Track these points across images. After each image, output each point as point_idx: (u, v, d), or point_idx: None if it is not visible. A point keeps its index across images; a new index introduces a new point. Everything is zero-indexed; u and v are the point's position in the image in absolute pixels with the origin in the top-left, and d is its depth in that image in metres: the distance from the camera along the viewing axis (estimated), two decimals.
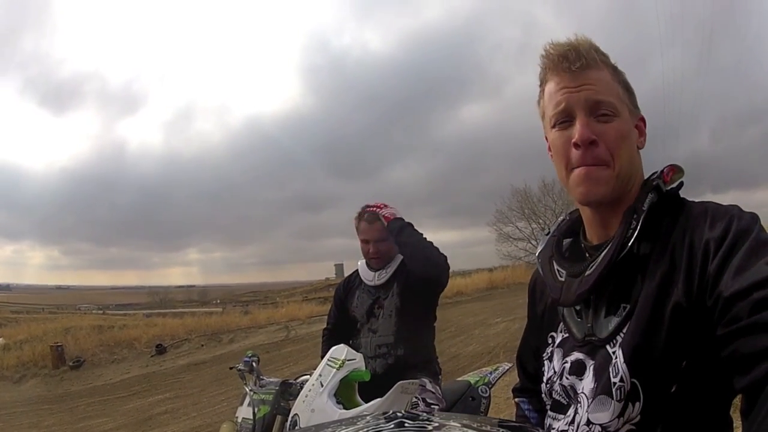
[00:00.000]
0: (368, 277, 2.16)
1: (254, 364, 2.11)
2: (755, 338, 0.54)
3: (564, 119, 0.72)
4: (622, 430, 0.66)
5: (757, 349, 0.53)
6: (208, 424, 5.67)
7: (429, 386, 2.00)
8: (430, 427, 0.48)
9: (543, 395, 0.81)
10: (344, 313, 2.23)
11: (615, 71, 0.74)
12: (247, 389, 2.01)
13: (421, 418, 0.51)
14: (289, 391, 1.93)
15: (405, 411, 0.54)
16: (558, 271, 0.77)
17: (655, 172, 0.73)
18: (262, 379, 2.06)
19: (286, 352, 10.23)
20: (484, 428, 0.49)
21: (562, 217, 0.87)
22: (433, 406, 1.89)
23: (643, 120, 0.76)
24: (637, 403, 0.65)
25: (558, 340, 0.79)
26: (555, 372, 0.77)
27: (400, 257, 2.15)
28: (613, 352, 0.68)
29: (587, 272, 0.71)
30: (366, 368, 1.94)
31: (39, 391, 9.23)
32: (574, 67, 0.70)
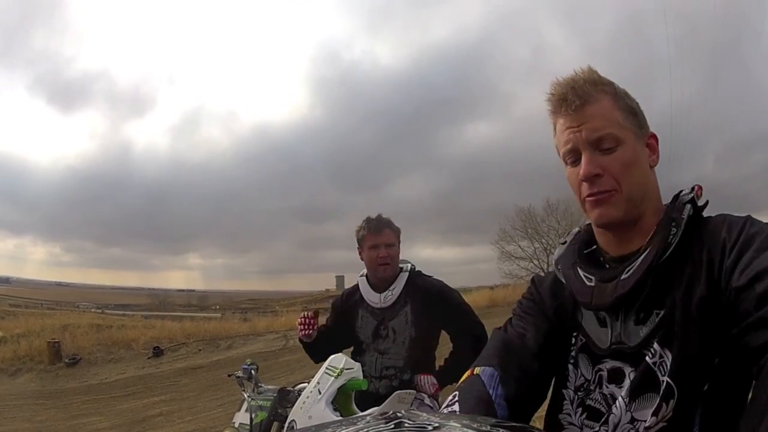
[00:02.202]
0: (373, 299, 2.10)
1: (253, 371, 2.11)
2: (760, 333, 0.58)
3: (573, 158, 0.78)
4: (655, 428, 0.68)
5: (760, 343, 0.57)
6: (203, 428, 5.64)
7: (427, 401, 2.01)
8: (430, 428, 0.47)
9: (567, 402, 0.80)
10: (340, 327, 2.20)
11: (616, 98, 0.77)
12: (245, 395, 2.02)
13: (421, 418, 0.51)
14: (287, 398, 1.95)
15: (404, 411, 0.55)
16: (585, 276, 0.78)
17: (684, 189, 0.77)
18: (261, 386, 2.06)
19: (284, 361, 10.18)
20: (483, 428, 0.49)
21: (576, 229, 0.89)
22: None
23: (654, 137, 0.79)
24: (671, 401, 0.68)
25: (578, 345, 0.80)
26: (588, 380, 0.78)
27: (405, 276, 2.11)
28: (653, 362, 0.70)
29: (623, 276, 0.72)
30: (368, 388, 1.95)
31: (34, 385, 9.22)
32: (572, 109, 0.76)
